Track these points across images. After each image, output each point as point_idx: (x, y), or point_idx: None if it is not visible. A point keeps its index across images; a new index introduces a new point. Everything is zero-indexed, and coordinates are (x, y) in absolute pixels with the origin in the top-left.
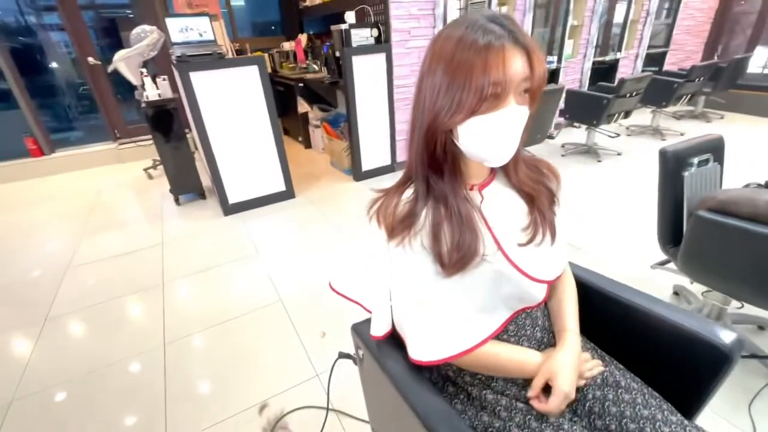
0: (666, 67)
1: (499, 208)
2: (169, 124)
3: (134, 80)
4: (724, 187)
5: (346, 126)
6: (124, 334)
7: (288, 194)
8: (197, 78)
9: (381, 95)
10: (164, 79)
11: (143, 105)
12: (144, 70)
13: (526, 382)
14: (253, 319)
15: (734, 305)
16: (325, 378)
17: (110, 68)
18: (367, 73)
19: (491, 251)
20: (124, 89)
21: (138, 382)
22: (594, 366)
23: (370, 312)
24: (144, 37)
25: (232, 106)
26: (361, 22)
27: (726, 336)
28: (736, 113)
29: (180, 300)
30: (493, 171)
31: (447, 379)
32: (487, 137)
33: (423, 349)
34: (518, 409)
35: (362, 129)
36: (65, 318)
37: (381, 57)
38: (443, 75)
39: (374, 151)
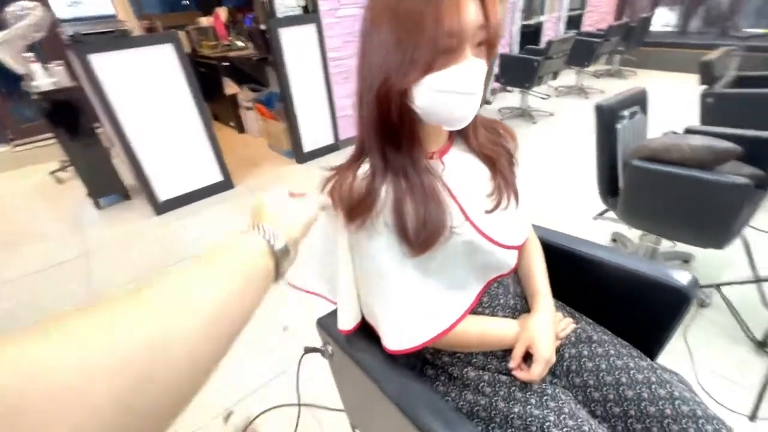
0: (584, 28)
1: (462, 176)
2: (72, 119)
3: (19, 68)
4: (648, 137)
5: (281, 106)
6: None
7: (226, 184)
8: (99, 61)
9: (316, 70)
10: (59, 65)
11: (35, 97)
12: (30, 55)
13: (506, 353)
14: None
15: (666, 245)
16: (292, 374)
17: None
18: (297, 46)
19: (459, 222)
20: (10, 81)
21: None
22: (567, 325)
23: (334, 303)
24: (24, 16)
25: (149, 93)
26: None
27: (682, 277)
28: (646, 69)
29: None
30: (451, 136)
31: (425, 361)
32: (447, 96)
33: (398, 338)
34: (502, 382)
35: (299, 108)
36: None
37: (311, 28)
38: (390, 28)
39: (315, 130)
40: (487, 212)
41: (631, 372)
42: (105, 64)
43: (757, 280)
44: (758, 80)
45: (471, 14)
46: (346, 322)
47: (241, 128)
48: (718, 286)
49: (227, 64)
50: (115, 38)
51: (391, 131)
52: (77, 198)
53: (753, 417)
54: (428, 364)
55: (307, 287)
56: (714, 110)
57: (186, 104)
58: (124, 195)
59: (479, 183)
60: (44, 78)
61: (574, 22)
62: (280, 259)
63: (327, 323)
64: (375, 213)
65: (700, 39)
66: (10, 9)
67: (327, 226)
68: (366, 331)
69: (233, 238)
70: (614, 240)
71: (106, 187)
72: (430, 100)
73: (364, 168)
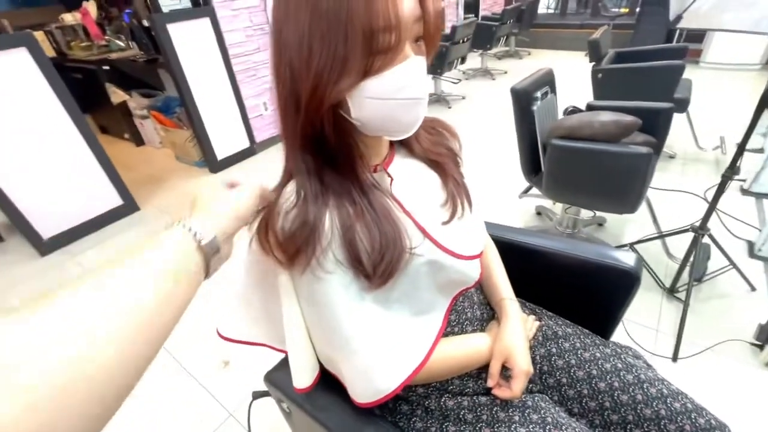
0: (481, 13)
1: (412, 187)
2: None
3: None
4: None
5: (182, 111)
6: None
7: (129, 207)
8: None
9: (218, 68)
10: None
11: None
12: None
13: (481, 371)
14: None
15: (584, 213)
16: (241, 414)
17: None
18: (192, 43)
19: (417, 241)
20: None
21: None
22: (532, 324)
23: (282, 352)
24: None
25: (5, 110)
26: None
27: (628, 258)
28: (537, 49)
29: None
30: (392, 144)
31: (397, 398)
32: (390, 103)
33: (368, 389)
34: (482, 405)
35: (204, 112)
36: None
37: (205, 22)
38: (311, 20)
39: (226, 134)
40: (444, 224)
41: (599, 362)
42: None
43: (661, 235)
44: (632, 55)
45: (407, 3)
46: (303, 380)
47: (138, 140)
48: (631, 245)
49: (108, 68)
50: None
51: (325, 148)
52: None
53: (675, 358)
54: (401, 399)
55: (244, 338)
56: (604, 84)
57: (58, 118)
58: None
59: (431, 193)
60: None
61: (470, 7)
62: (209, 255)
63: (278, 379)
64: (320, 249)
65: (577, 19)
66: None
67: (254, 264)
68: (326, 380)
69: (156, 236)
70: (539, 213)
71: None
72: (370, 111)
73: (288, 195)
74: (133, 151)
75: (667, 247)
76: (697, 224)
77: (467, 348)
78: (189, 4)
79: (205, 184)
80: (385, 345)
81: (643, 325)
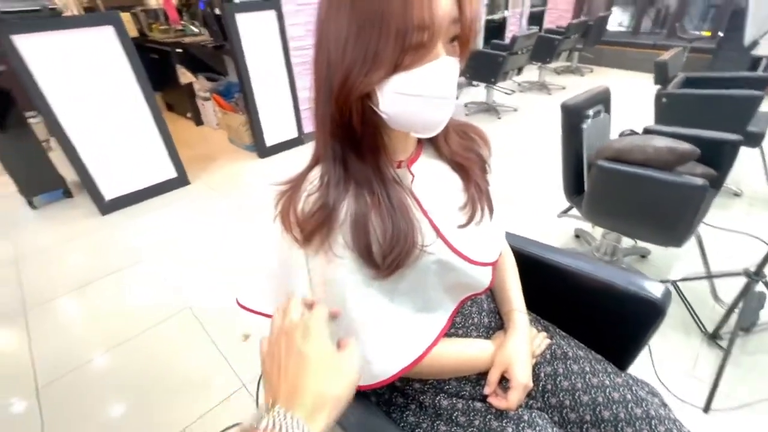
0: (545, 25)
1: (433, 187)
2: None
3: None
4: (611, 135)
5: (240, 97)
6: None
7: (181, 181)
8: (25, 43)
9: (277, 59)
10: None
11: None
12: None
13: (481, 377)
14: (155, 336)
15: (626, 241)
16: (253, 388)
17: None
18: (256, 34)
19: (430, 240)
20: None
21: None
22: (542, 341)
23: None
24: None
25: (88, 80)
26: None
27: (655, 289)
28: (601, 67)
29: (53, 329)
30: (420, 142)
31: (394, 388)
32: (417, 100)
33: (366, 372)
34: (476, 410)
35: (260, 99)
36: None
37: (271, 15)
38: (349, 19)
39: (277, 123)
40: (461, 227)
41: (607, 390)
42: (33, 47)
43: (709, 276)
44: (705, 81)
45: (444, 4)
46: None
47: (198, 120)
48: (674, 282)
49: (181, 50)
50: (43, 18)
51: (352, 138)
52: (8, 197)
53: (707, 409)
54: (398, 391)
55: (260, 309)
56: (667, 109)
57: (132, 93)
58: (66, 192)
59: (451, 195)
60: None
61: (535, 18)
62: None
63: None
64: (333, 232)
65: (651, 39)
66: None
67: (283, 249)
68: None
69: None
70: (577, 236)
71: (41, 184)
72: (397, 106)
73: (313, 179)
74: (192, 130)
75: (715, 290)
76: (752, 269)
77: (468, 351)
78: None
79: (314, 323)
80: (386, 333)
81: (675, 368)
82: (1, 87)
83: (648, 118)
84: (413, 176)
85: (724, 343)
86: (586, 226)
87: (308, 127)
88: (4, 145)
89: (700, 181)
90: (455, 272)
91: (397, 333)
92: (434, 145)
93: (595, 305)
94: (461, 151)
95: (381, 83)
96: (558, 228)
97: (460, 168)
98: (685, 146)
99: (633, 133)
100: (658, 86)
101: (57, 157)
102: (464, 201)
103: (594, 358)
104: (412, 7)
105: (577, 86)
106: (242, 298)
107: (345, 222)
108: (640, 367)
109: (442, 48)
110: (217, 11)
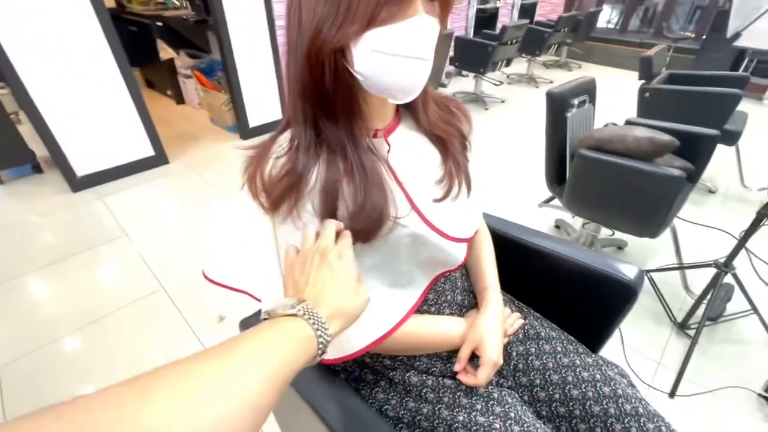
0: (536, 18)
1: (410, 159)
2: None
3: None
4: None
5: (223, 75)
6: None
7: (159, 159)
8: None
9: (262, 36)
10: None
11: None
12: None
13: (451, 354)
14: (128, 315)
15: (604, 232)
16: None
17: None
18: (241, 9)
19: (404, 212)
20: None
21: None
22: (515, 321)
23: (260, 301)
24: None
25: (59, 51)
26: None
27: (629, 270)
28: (590, 63)
29: (17, 307)
30: (398, 112)
31: (364, 365)
32: (392, 59)
33: (332, 346)
34: (446, 387)
35: (243, 78)
36: None
37: None
38: None
39: (261, 103)
40: (436, 201)
41: (578, 370)
42: (0, 13)
43: (681, 267)
44: (687, 78)
45: None
46: None
47: (180, 98)
48: (647, 272)
49: (161, 24)
50: None
51: (325, 98)
52: None
53: (672, 395)
54: (367, 368)
55: (227, 282)
56: (650, 104)
57: (107, 66)
58: (35, 167)
59: (428, 167)
60: None
61: (527, 11)
62: (325, 346)
63: (251, 324)
64: (302, 198)
65: (638, 37)
66: None
67: (250, 216)
68: None
69: (279, 322)
70: (557, 227)
71: (9, 158)
72: (371, 64)
73: (282, 142)
74: (173, 108)
75: (686, 281)
76: (722, 261)
77: (440, 328)
78: None
79: (346, 251)
80: None
81: (645, 355)
82: None
83: (631, 113)
84: (390, 146)
85: (692, 333)
86: (567, 216)
87: None
88: None
89: (677, 172)
90: (429, 246)
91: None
92: (413, 115)
93: (569, 287)
94: (441, 124)
95: (355, 39)
96: (538, 218)
97: (438, 141)
98: (664, 137)
99: (615, 125)
100: (642, 81)
101: (26, 131)
102: (441, 175)
103: (566, 339)
104: None
105: (564, 80)
106: (209, 271)
107: (314, 188)
108: (611, 353)
109: (421, 5)
110: None
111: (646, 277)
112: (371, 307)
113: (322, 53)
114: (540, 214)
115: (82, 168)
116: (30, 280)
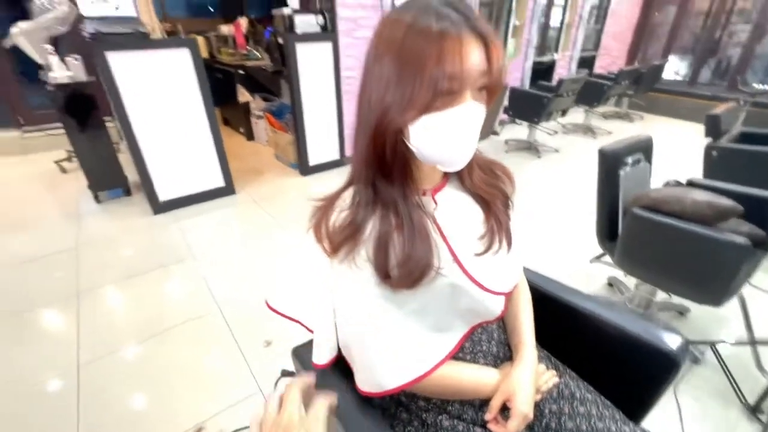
0: (595, 70)
1: (454, 215)
2: (83, 111)
3: (37, 58)
4: (651, 184)
5: (291, 118)
6: (30, 354)
7: (227, 190)
8: (116, 59)
9: (328, 86)
10: (76, 59)
11: (50, 88)
12: (49, 47)
13: (484, 403)
14: (186, 331)
15: (661, 296)
16: (268, 392)
17: (7, 43)
18: (312, 62)
19: (446, 263)
20: (28, 68)
21: (43, 414)
22: (549, 378)
23: (312, 332)
24: (50, 9)
25: (161, 93)
26: (305, 8)
27: (672, 341)
28: (653, 114)
29: (98, 312)
30: (446, 175)
31: (399, 404)
32: (442, 138)
33: (371, 380)
34: None
35: (308, 121)
36: None
37: (327, 46)
38: (392, 65)
39: (321, 144)
40: (477, 255)
41: None
42: (121, 63)
43: (753, 342)
44: (762, 137)
45: (474, 59)
46: (321, 356)
47: (250, 136)
48: (712, 344)
49: (242, 72)
50: (133, 39)
51: (384, 165)
52: (78, 189)
53: None
54: (402, 406)
55: (286, 312)
56: (717, 163)
57: (196, 107)
58: (126, 191)
59: (471, 224)
60: (61, 70)
61: (586, 62)
62: None
63: (302, 353)
64: (358, 245)
65: (709, 90)
66: (37, 1)
67: (312, 256)
68: (342, 367)
69: None
70: (610, 284)
71: (107, 181)
72: (424, 140)
73: (346, 198)
74: (243, 144)
75: (759, 359)
76: None
77: (473, 376)
78: (318, 29)
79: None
80: (394, 344)
81: None
82: (88, 93)
83: (697, 170)
84: (436, 204)
85: (765, 418)
86: (620, 274)
87: (349, 150)
88: (81, 144)
89: (741, 239)
90: (468, 297)
91: (405, 346)
92: (459, 177)
93: (608, 350)
94: (484, 186)
95: (413, 121)
96: (589, 274)
97: (482, 200)
98: (726, 202)
99: (678, 183)
100: (709, 139)
101: (123, 158)
102: (483, 231)
103: (602, 403)
104: (445, 61)
105: (624, 132)
106: (271, 300)
107: (370, 238)
108: (664, 427)
109: (470, 95)
110: (280, 40)
111: (711, 351)
112: (410, 348)
113: (387, 131)
114: (592, 270)
115: (164, 193)
116: (110, 290)
